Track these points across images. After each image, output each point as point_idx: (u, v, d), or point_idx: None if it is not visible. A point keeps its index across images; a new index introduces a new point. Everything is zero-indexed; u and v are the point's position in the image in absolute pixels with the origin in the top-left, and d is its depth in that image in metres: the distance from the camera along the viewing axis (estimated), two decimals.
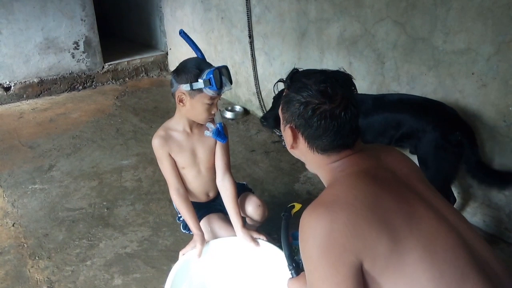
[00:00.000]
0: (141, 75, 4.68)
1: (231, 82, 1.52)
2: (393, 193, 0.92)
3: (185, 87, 1.49)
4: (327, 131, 0.98)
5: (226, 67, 1.52)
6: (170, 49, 4.70)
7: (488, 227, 2.07)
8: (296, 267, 1.24)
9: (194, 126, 1.67)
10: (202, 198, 1.81)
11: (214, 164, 1.74)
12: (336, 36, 2.57)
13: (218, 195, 1.81)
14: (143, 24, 5.06)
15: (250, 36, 3.30)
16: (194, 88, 1.48)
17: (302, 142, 1.04)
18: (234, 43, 3.57)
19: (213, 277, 1.66)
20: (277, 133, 3.17)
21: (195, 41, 1.69)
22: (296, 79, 1.04)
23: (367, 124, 1.97)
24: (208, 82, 1.45)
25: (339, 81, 1.01)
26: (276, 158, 2.86)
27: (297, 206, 1.53)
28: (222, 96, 1.71)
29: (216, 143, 1.71)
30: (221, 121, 1.65)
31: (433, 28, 2.01)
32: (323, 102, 0.97)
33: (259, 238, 1.65)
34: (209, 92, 1.48)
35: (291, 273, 1.24)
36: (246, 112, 3.63)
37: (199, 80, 1.46)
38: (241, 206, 1.77)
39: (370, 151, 1.05)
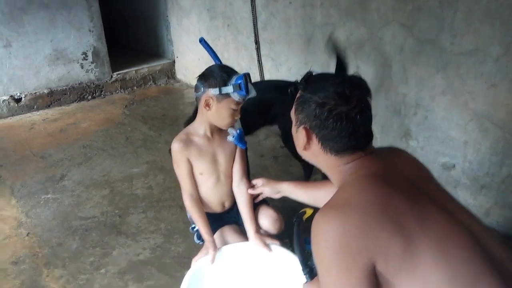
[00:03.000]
0: (149, 84, 4.73)
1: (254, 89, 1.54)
2: (404, 195, 0.93)
3: (214, 91, 1.51)
4: (342, 133, 0.99)
5: (249, 74, 1.54)
6: (177, 57, 4.74)
7: (502, 228, 2.05)
8: (310, 271, 1.24)
9: (215, 131, 1.67)
10: (217, 209, 1.80)
11: (232, 171, 1.75)
12: (342, 40, 2.58)
13: (233, 206, 1.81)
14: (150, 33, 5.11)
15: (257, 43, 3.32)
16: (223, 92, 1.50)
17: (315, 144, 1.05)
18: (240, 50, 3.60)
19: (227, 283, 1.66)
20: None
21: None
22: (312, 81, 1.05)
23: (243, 108, 2.14)
24: (238, 87, 1.48)
25: (355, 84, 1.02)
26: (285, 163, 2.87)
27: (309, 211, 1.54)
28: None
29: (236, 149, 1.72)
30: (240, 127, 1.67)
31: (440, 31, 2.02)
32: (340, 104, 0.98)
33: (272, 243, 1.65)
34: (236, 97, 1.51)
35: (306, 277, 1.25)
36: None
37: (228, 84, 1.49)
38: (257, 218, 1.76)
39: (380, 153, 1.06)
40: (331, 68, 2.71)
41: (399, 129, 2.39)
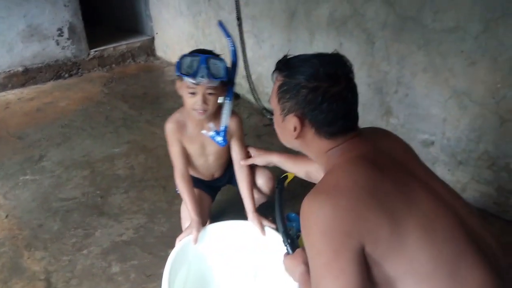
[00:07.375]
0: (128, 61, 4.61)
1: (215, 75, 1.48)
2: (391, 176, 0.94)
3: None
4: (338, 115, 0.98)
5: (211, 57, 1.48)
6: (156, 33, 4.62)
7: (478, 202, 2.12)
8: (292, 242, 1.25)
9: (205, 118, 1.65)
10: (206, 178, 1.89)
11: (223, 153, 1.78)
12: (325, 17, 2.56)
13: (222, 175, 1.89)
14: (128, 9, 4.94)
15: (239, 19, 3.26)
16: (176, 73, 1.52)
17: (308, 130, 1.02)
18: None
19: (211, 262, 1.68)
20: (268, 116, 3.17)
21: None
22: (292, 65, 1.01)
23: None
24: (176, 67, 1.49)
25: (340, 62, 1.00)
26: (268, 141, 2.87)
27: (290, 175, 1.53)
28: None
29: (231, 139, 1.72)
30: (227, 124, 1.62)
31: (422, 7, 2.01)
32: (332, 85, 0.96)
33: (268, 226, 1.66)
34: (185, 78, 1.49)
35: (287, 248, 1.25)
36: (236, 96, 3.60)
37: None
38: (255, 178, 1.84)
39: (366, 134, 1.06)
40: (314, 46, 2.69)
41: (380, 107, 2.41)
